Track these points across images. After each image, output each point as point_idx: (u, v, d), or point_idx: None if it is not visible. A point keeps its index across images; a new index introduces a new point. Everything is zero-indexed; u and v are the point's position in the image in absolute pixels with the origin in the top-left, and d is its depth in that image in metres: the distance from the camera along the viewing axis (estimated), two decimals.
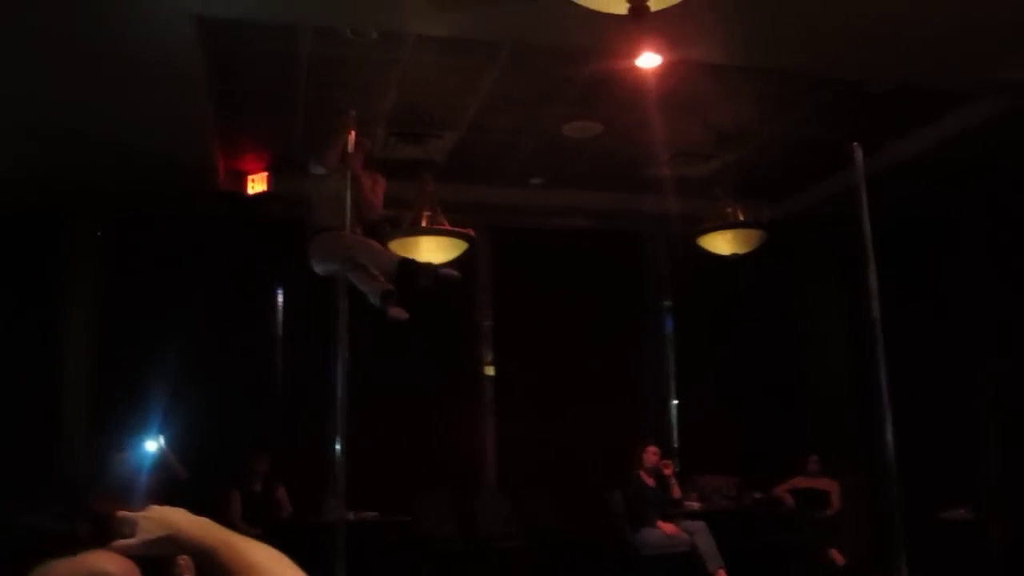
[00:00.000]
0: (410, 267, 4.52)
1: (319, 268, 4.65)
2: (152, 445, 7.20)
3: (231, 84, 6.67)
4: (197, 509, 1.36)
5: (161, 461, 7.22)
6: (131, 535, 1.24)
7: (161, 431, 7.30)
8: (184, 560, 1.29)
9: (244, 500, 7.69)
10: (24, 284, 8.21)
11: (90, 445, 7.96)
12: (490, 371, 9.38)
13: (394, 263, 4.50)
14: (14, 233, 8.25)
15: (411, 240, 7.46)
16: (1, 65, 5.75)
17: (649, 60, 6.21)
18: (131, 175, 7.79)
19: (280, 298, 8.75)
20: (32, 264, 8.28)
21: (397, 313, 4.43)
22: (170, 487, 7.15)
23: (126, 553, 1.22)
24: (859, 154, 4.76)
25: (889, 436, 4.44)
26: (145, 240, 8.49)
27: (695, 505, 8.43)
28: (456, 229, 7.53)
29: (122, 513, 1.26)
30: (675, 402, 9.78)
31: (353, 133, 4.62)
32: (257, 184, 8.25)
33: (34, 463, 7.70)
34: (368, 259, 4.49)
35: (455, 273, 4.54)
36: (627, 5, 3.42)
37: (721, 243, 7.92)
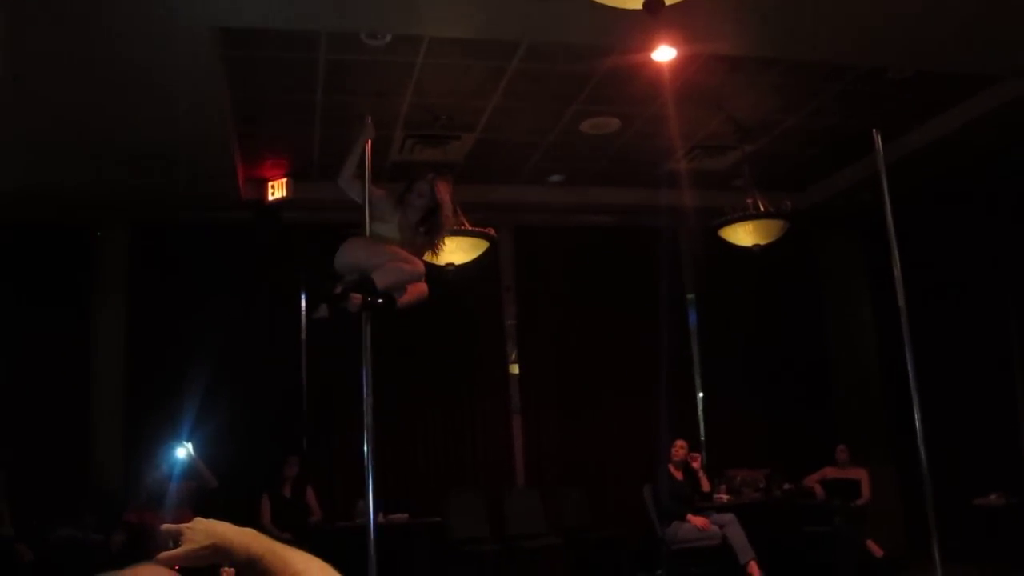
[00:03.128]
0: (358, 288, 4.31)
1: (343, 266, 4.55)
2: (182, 452, 7.28)
3: (249, 92, 6.73)
4: (227, 514, 1.37)
5: (191, 469, 7.29)
6: (176, 547, 1.26)
7: (190, 439, 7.38)
8: (228, 573, 1.31)
9: (274, 504, 7.74)
10: (54, 296, 8.30)
11: (122, 456, 8.05)
12: (515, 370, 9.40)
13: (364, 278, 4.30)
14: (43, 246, 8.36)
15: None
16: (30, 84, 5.82)
17: (665, 54, 6.19)
18: (155, 186, 7.87)
19: (304, 302, 8.79)
20: (61, 277, 8.38)
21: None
22: (200, 495, 7.22)
23: (172, 563, 1.24)
24: (879, 141, 4.73)
25: (919, 423, 4.41)
26: (170, 250, 8.57)
27: (724, 498, 8.41)
28: (477, 229, 7.55)
29: (167, 526, 1.28)
30: (701, 395, 9.76)
31: (370, 143, 4.56)
32: (277, 191, 8.32)
33: (68, 475, 7.79)
34: (391, 268, 4.36)
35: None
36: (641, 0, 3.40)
37: (743, 235, 7.88)
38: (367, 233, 4.41)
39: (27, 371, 8.03)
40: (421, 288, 4.52)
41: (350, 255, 4.42)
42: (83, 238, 8.55)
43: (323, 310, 4.33)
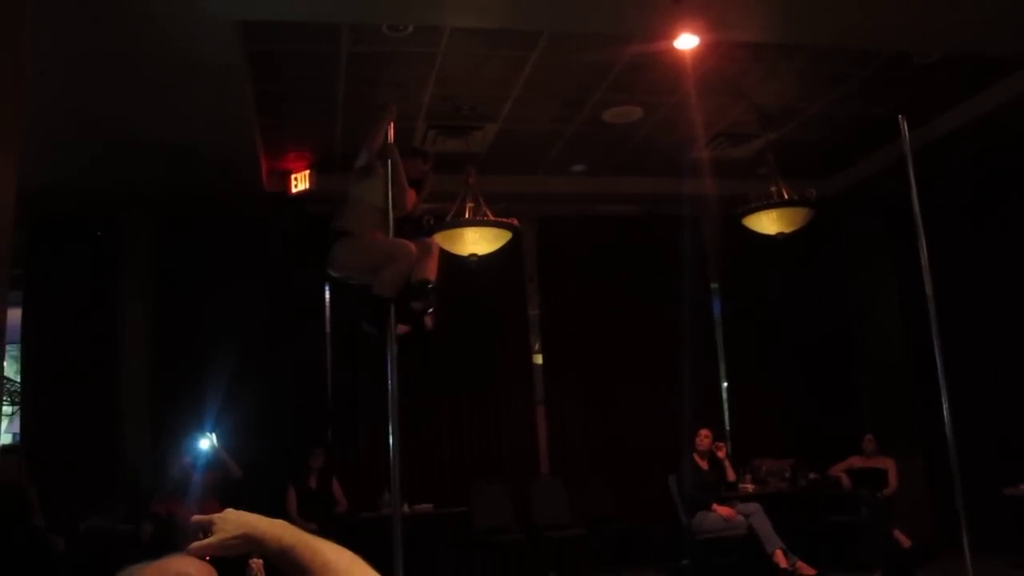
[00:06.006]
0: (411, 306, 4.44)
1: (338, 274, 4.67)
2: (205, 444, 7.34)
3: (272, 85, 6.75)
4: (253, 505, 1.38)
5: (215, 459, 7.36)
6: (207, 537, 1.27)
7: (214, 430, 7.44)
8: (257, 564, 1.32)
9: (300, 495, 7.79)
10: (82, 289, 8.40)
11: (150, 446, 8.12)
12: (539, 360, 9.39)
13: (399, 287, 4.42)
14: (72, 239, 8.45)
15: (456, 232, 7.49)
16: (55, 80, 5.87)
17: (687, 42, 6.15)
18: (180, 180, 7.92)
19: (328, 294, 8.83)
20: (89, 270, 8.46)
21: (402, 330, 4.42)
22: (226, 484, 7.28)
23: (204, 553, 1.25)
24: (905, 127, 4.68)
25: (947, 412, 4.37)
26: (195, 242, 8.61)
27: (750, 487, 8.38)
28: (500, 220, 7.55)
29: (198, 517, 1.29)
30: (725, 384, 9.72)
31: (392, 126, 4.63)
32: (300, 183, 8.35)
33: (97, 465, 7.88)
34: (388, 273, 4.45)
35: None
36: None
37: (767, 223, 7.83)
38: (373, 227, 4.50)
39: (56, 363, 8.13)
40: (432, 252, 4.58)
41: (342, 264, 4.53)
42: (110, 231, 8.62)
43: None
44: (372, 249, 4.50)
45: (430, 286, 4.45)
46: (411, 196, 4.87)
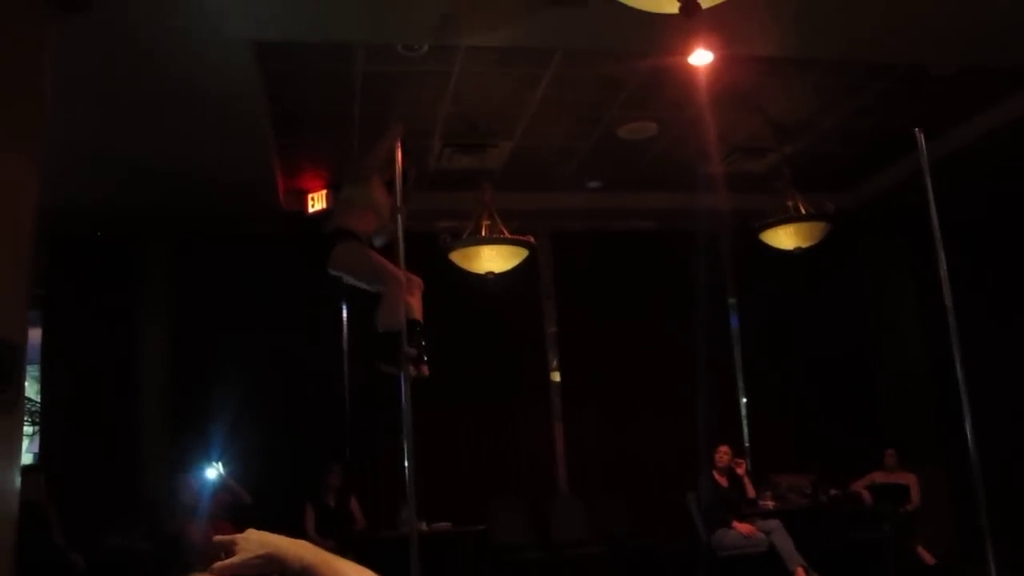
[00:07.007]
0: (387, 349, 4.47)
1: (336, 272, 4.79)
2: (212, 472, 7.35)
3: (288, 105, 6.79)
4: (271, 524, 1.38)
5: (222, 487, 7.37)
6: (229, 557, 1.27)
7: (220, 457, 7.47)
8: None
9: (318, 513, 7.78)
10: (102, 309, 8.45)
11: (169, 465, 8.14)
12: (557, 377, 9.37)
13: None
14: (92, 260, 8.51)
15: (472, 250, 7.51)
16: (76, 106, 5.92)
17: (701, 57, 6.15)
18: (198, 200, 7.96)
19: (344, 313, 8.84)
20: (108, 290, 8.51)
21: (388, 370, 4.46)
22: (235, 508, 7.28)
23: (226, 573, 1.25)
24: (922, 140, 4.66)
25: (969, 426, 4.32)
26: (213, 262, 8.66)
27: (770, 504, 8.31)
28: (516, 237, 7.56)
29: (220, 537, 1.29)
30: (744, 400, 9.67)
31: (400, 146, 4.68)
32: (317, 202, 8.38)
33: (117, 485, 7.90)
34: (385, 306, 4.53)
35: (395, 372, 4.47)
36: (678, 3, 3.39)
37: (784, 237, 7.81)
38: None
39: (76, 382, 8.18)
40: (416, 289, 4.64)
41: (338, 264, 4.73)
42: (130, 251, 8.68)
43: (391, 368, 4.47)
44: (366, 263, 4.71)
45: (419, 328, 4.51)
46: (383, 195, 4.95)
